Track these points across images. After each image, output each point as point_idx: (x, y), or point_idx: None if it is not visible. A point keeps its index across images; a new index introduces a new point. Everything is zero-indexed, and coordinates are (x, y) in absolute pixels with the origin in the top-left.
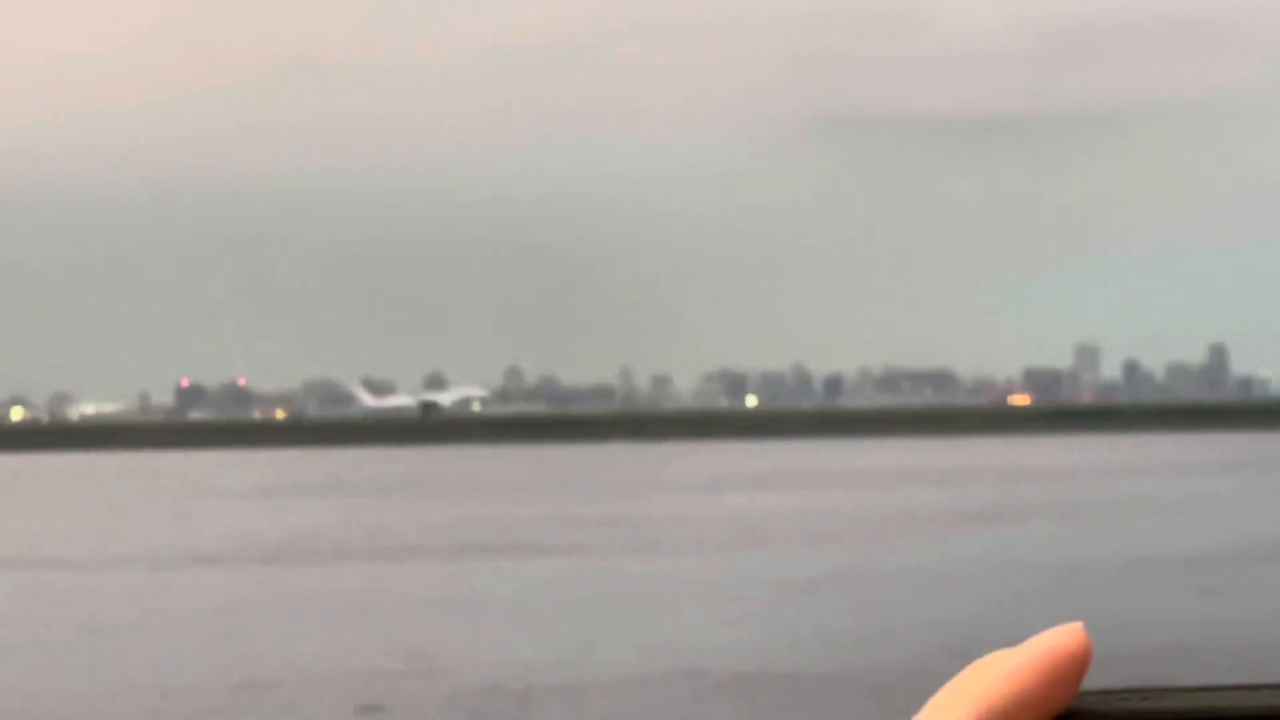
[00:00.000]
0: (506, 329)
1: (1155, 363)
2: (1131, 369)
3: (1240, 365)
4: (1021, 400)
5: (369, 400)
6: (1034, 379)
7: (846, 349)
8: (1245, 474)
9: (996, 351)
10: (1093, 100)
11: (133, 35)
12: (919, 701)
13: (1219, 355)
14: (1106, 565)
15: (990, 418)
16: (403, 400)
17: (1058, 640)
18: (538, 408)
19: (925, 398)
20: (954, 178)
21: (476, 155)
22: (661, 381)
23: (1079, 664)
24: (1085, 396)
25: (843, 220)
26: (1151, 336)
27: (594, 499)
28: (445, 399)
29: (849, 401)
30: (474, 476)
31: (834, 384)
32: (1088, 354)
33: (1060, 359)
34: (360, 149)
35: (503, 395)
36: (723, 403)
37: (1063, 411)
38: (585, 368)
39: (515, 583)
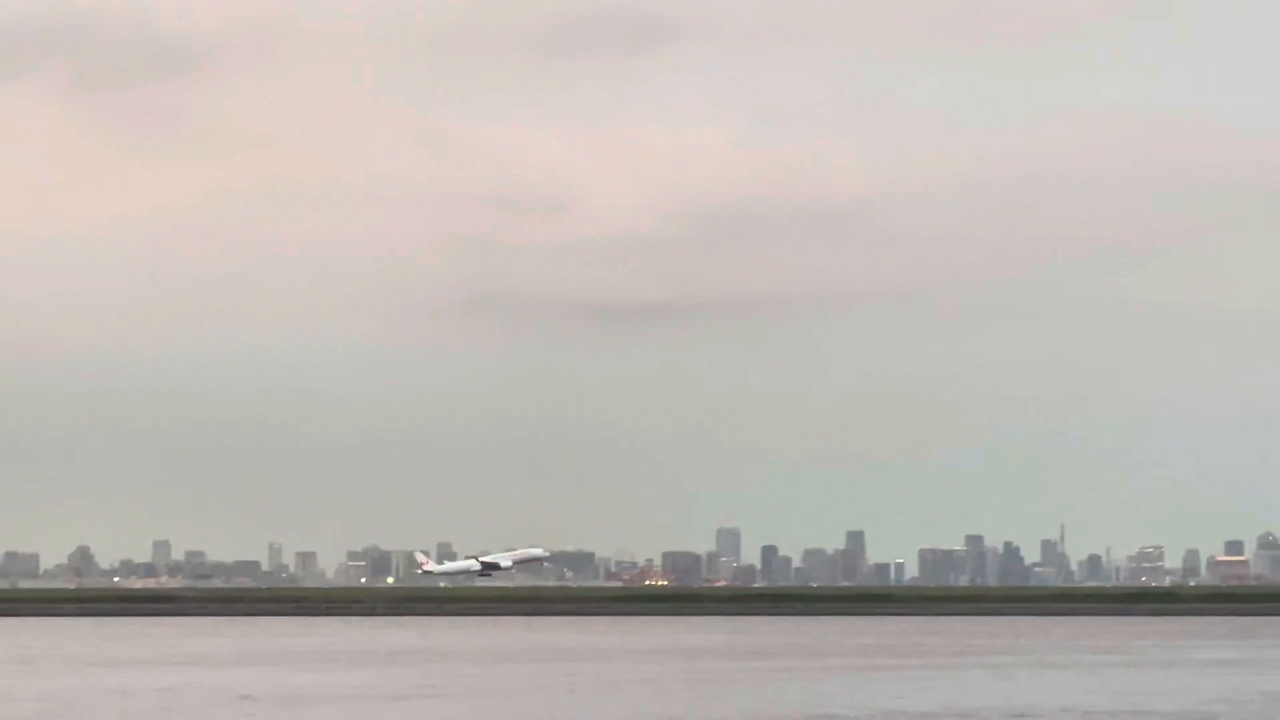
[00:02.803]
0: (157, 505)
1: (794, 548)
2: (769, 554)
3: (877, 552)
4: (658, 583)
5: (429, 565)
6: (673, 562)
7: (494, 528)
8: (765, 658)
9: (639, 535)
10: (737, 288)
11: None
12: None
13: (857, 542)
14: None
15: (612, 599)
16: (467, 564)
17: None
18: (177, 582)
19: (566, 578)
20: (598, 361)
21: (130, 334)
22: (307, 558)
23: None
24: (722, 580)
25: (491, 402)
26: (792, 523)
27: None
28: (505, 560)
29: (498, 581)
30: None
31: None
32: (729, 538)
33: (703, 543)
34: None
35: (149, 569)
36: (363, 581)
37: (669, 595)
38: (235, 544)
39: None
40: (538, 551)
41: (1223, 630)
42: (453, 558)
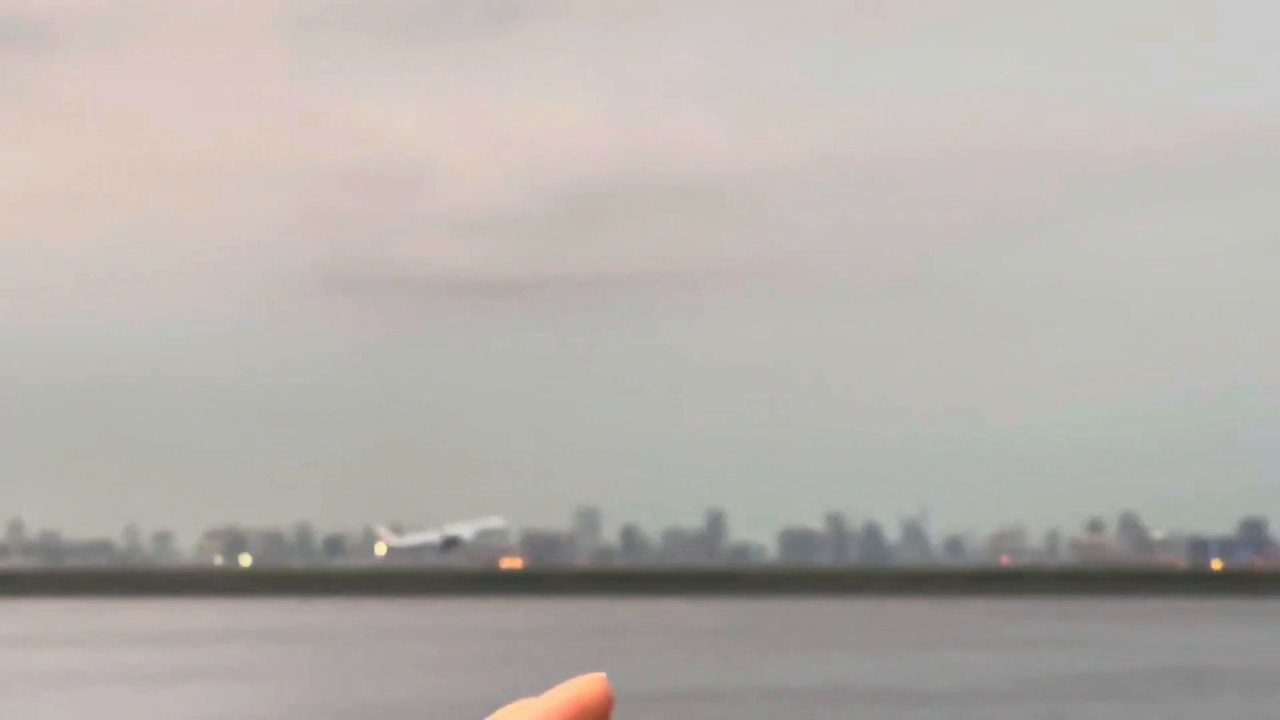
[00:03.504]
0: (12, 483)
1: (654, 528)
2: (630, 533)
3: (737, 532)
4: (516, 563)
5: (391, 539)
6: (532, 542)
7: (354, 508)
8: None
9: (498, 513)
10: (602, 265)
11: None
12: None
13: (716, 522)
14: None
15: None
16: (427, 538)
17: (582, 689)
18: (33, 562)
19: (428, 561)
20: (460, 339)
21: None
22: (163, 538)
23: (603, 712)
24: (582, 560)
25: (351, 380)
26: (652, 501)
27: None
28: (467, 531)
29: (354, 561)
30: None
31: (335, 543)
32: (588, 517)
33: (562, 522)
34: None
35: (2, 549)
36: (219, 561)
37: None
38: (91, 523)
39: None
40: (497, 522)
41: (1059, 611)
42: (310, 538)
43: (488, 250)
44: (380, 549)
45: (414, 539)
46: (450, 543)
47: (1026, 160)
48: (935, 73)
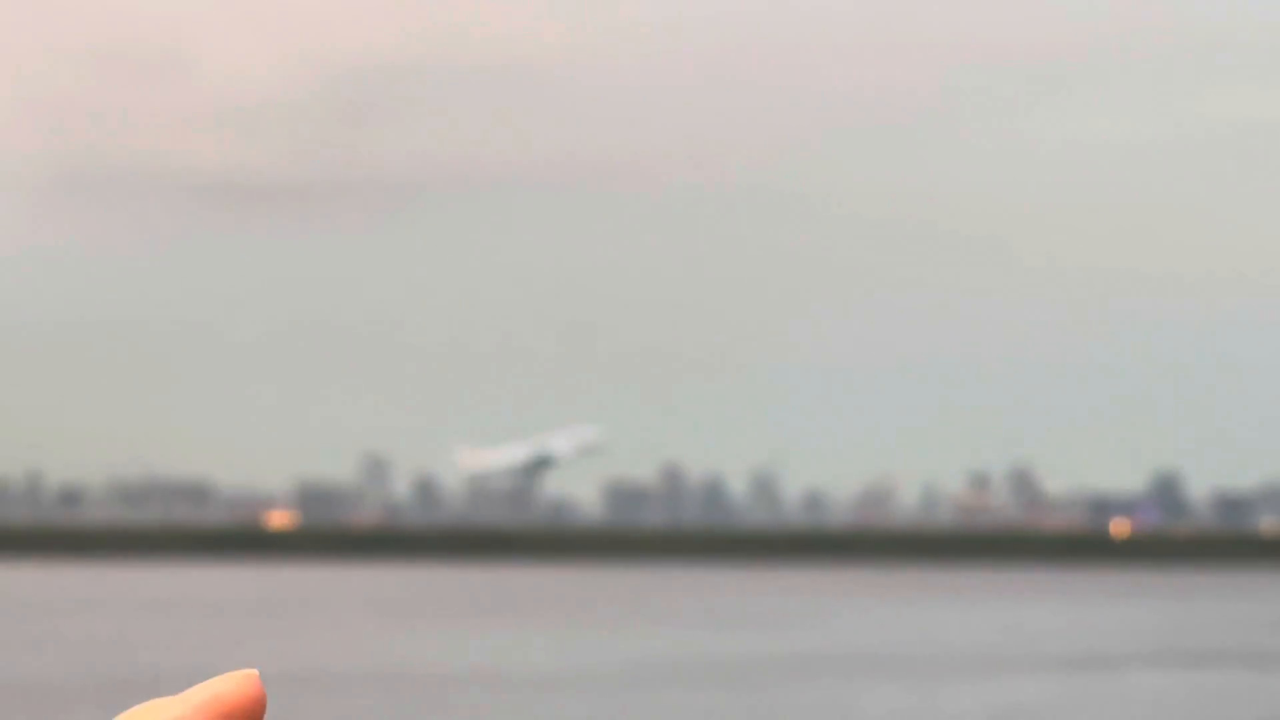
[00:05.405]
0: None
1: (454, 479)
2: (426, 486)
3: (555, 486)
4: (284, 519)
5: (470, 460)
6: (309, 494)
7: (88, 449)
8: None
9: (265, 460)
10: (394, 165)
11: None
12: None
13: (530, 470)
14: None
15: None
16: (516, 453)
17: (229, 688)
18: None
19: (177, 514)
20: (221, 251)
21: None
22: None
23: (252, 713)
24: (370, 517)
25: (87, 297)
26: (455, 444)
27: None
28: (563, 444)
29: (90, 515)
30: None
31: (72, 495)
32: (375, 467)
33: (346, 470)
34: None
35: None
36: None
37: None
38: None
39: None
40: (593, 432)
41: (901, 584)
42: (37, 488)
43: (256, 147)
44: (462, 468)
45: (499, 457)
46: (541, 462)
47: (907, 46)
48: None
